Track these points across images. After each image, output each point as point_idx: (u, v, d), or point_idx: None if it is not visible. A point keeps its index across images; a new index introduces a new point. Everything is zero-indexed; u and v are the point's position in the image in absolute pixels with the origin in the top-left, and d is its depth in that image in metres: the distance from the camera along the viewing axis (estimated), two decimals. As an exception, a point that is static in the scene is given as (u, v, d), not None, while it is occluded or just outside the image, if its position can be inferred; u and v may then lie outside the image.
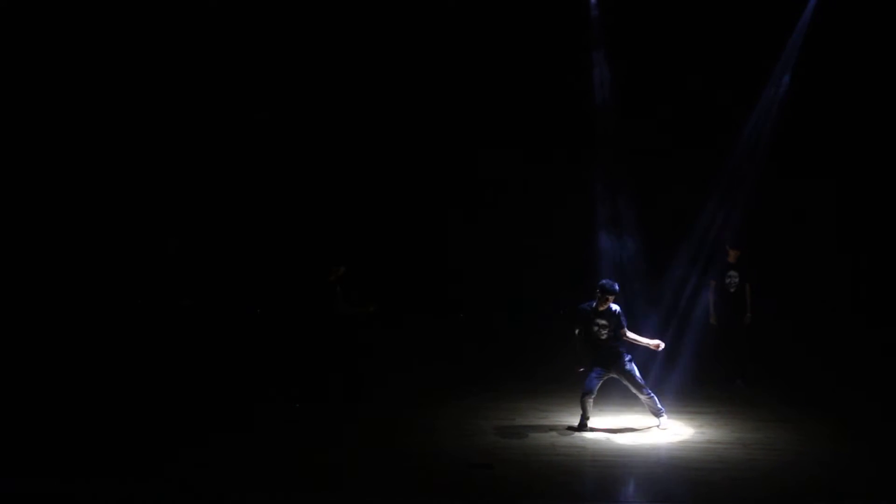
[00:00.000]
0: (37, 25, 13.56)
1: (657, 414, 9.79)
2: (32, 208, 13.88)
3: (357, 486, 7.75)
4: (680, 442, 9.38)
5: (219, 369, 12.34)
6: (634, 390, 9.72)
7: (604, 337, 9.62)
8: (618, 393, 10.43)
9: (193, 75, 14.22)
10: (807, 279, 13.85)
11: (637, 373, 9.71)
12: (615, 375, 9.73)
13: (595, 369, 9.68)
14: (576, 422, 9.92)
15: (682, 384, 11.85)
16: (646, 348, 9.88)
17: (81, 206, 14.05)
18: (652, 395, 9.76)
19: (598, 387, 9.68)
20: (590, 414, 9.75)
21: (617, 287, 9.78)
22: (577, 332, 9.79)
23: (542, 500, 7.54)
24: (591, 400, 9.69)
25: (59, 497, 7.38)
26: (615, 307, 9.68)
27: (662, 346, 9.81)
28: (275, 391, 11.18)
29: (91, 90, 13.90)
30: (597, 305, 9.65)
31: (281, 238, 14.45)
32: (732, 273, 12.34)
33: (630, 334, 9.73)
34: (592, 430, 9.70)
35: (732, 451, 9.04)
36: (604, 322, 9.62)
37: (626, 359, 9.68)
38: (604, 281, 9.85)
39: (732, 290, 12.31)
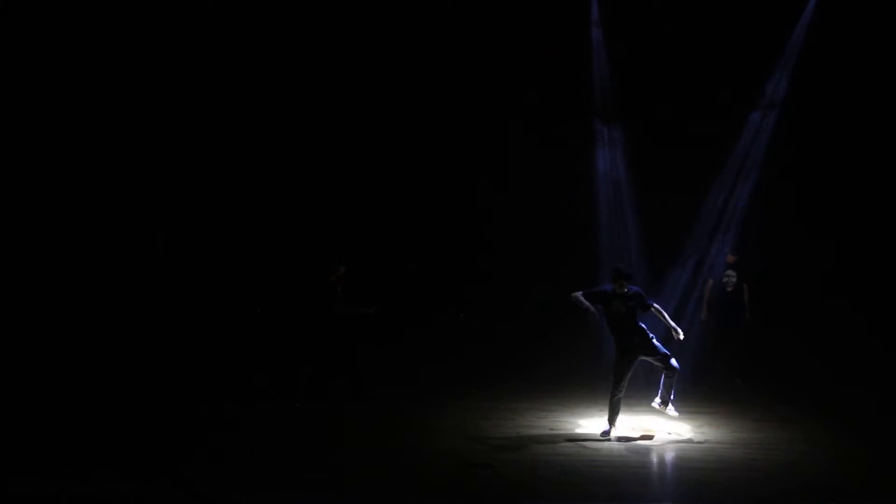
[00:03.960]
0: (31, 23, 13.60)
1: (668, 399, 9.59)
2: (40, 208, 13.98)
3: (357, 487, 7.76)
4: (679, 442, 9.39)
5: (220, 369, 12.39)
6: (661, 364, 9.46)
7: (624, 311, 9.42)
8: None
9: (195, 72, 14.27)
10: (803, 278, 13.90)
11: (661, 346, 9.50)
12: (642, 356, 9.48)
13: (623, 360, 9.48)
14: (582, 422, 9.99)
15: (682, 383, 11.87)
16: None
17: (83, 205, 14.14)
18: (678, 368, 9.49)
19: (627, 382, 9.51)
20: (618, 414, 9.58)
21: (630, 270, 9.79)
22: (591, 306, 9.46)
23: (543, 500, 7.55)
24: (621, 398, 9.52)
25: (63, 498, 7.40)
26: (634, 288, 9.58)
27: (682, 336, 9.56)
28: (276, 391, 11.22)
29: (92, 91, 13.96)
30: (615, 289, 9.54)
31: (281, 238, 14.51)
32: (730, 272, 12.45)
33: (657, 307, 9.59)
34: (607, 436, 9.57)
35: (732, 450, 9.05)
36: (620, 303, 9.47)
37: (651, 336, 9.48)
38: (618, 266, 9.89)
39: (729, 288, 12.41)
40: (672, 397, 9.65)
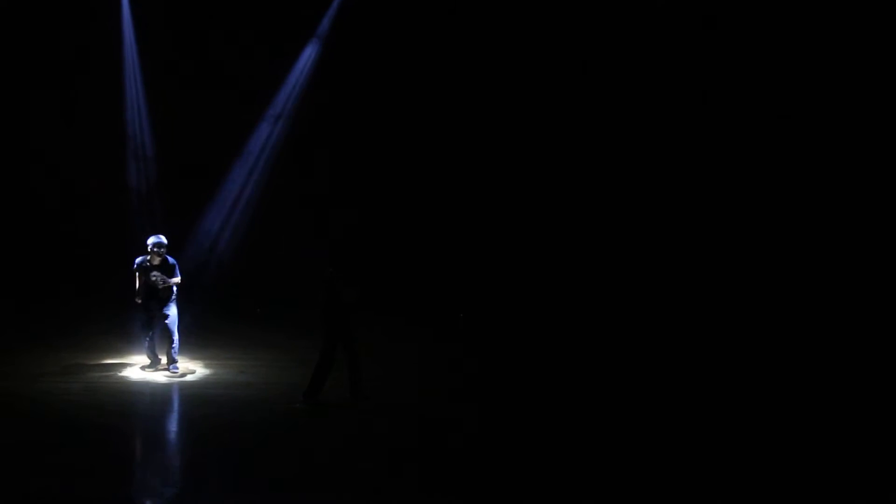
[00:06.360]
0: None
1: (174, 360, 11.40)
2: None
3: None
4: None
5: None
6: (169, 332, 11.37)
7: (160, 286, 11.31)
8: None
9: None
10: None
11: (176, 319, 11.45)
12: (159, 317, 11.36)
13: (147, 314, 11.39)
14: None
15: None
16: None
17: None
18: (177, 342, 11.43)
19: (152, 330, 11.45)
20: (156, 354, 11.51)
21: (155, 241, 11.31)
22: (137, 276, 11.37)
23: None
24: (150, 341, 11.46)
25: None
26: (171, 260, 11.42)
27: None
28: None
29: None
30: (150, 259, 11.33)
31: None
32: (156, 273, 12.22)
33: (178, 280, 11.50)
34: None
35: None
36: (158, 273, 11.32)
37: (172, 305, 11.42)
38: (148, 241, 11.37)
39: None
40: (174, 358, 11.40)
